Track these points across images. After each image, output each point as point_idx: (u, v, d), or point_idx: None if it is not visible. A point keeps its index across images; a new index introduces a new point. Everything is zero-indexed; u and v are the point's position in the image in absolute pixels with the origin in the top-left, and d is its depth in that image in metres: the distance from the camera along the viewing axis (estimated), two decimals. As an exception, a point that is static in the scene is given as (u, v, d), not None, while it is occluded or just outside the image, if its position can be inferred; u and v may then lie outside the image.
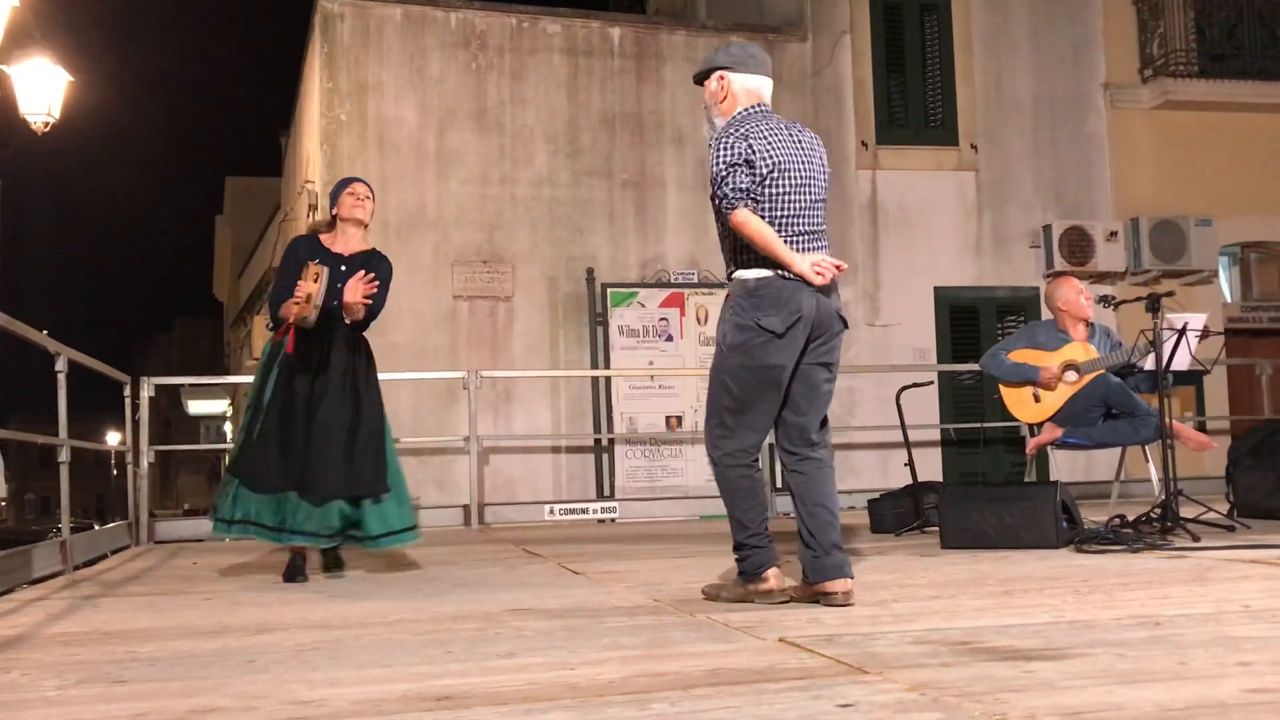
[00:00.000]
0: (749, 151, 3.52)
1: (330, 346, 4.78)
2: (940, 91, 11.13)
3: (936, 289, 10.91)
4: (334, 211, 4.96)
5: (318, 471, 4.60)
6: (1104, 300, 6.04)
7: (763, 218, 3.51)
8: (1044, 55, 11.31)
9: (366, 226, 5.00)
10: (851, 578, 3.51)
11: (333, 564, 5.02)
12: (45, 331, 5.88)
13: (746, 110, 3.67)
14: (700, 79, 3.85)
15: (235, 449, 4.84)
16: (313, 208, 10.21)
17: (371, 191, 5.05)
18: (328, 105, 9.88)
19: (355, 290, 4.68)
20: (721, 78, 3.76)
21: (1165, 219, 10.95)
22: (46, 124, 10.07)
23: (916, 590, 3.81)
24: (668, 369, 9.92)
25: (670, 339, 10.13)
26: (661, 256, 10.45)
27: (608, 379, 9.89)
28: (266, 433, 4.68)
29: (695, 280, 10.36)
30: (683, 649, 2.79)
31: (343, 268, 4.80)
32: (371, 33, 10.00)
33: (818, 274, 3.48)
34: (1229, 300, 11.85)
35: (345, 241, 4.91)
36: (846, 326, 3.71)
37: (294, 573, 4.74)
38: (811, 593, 3.54)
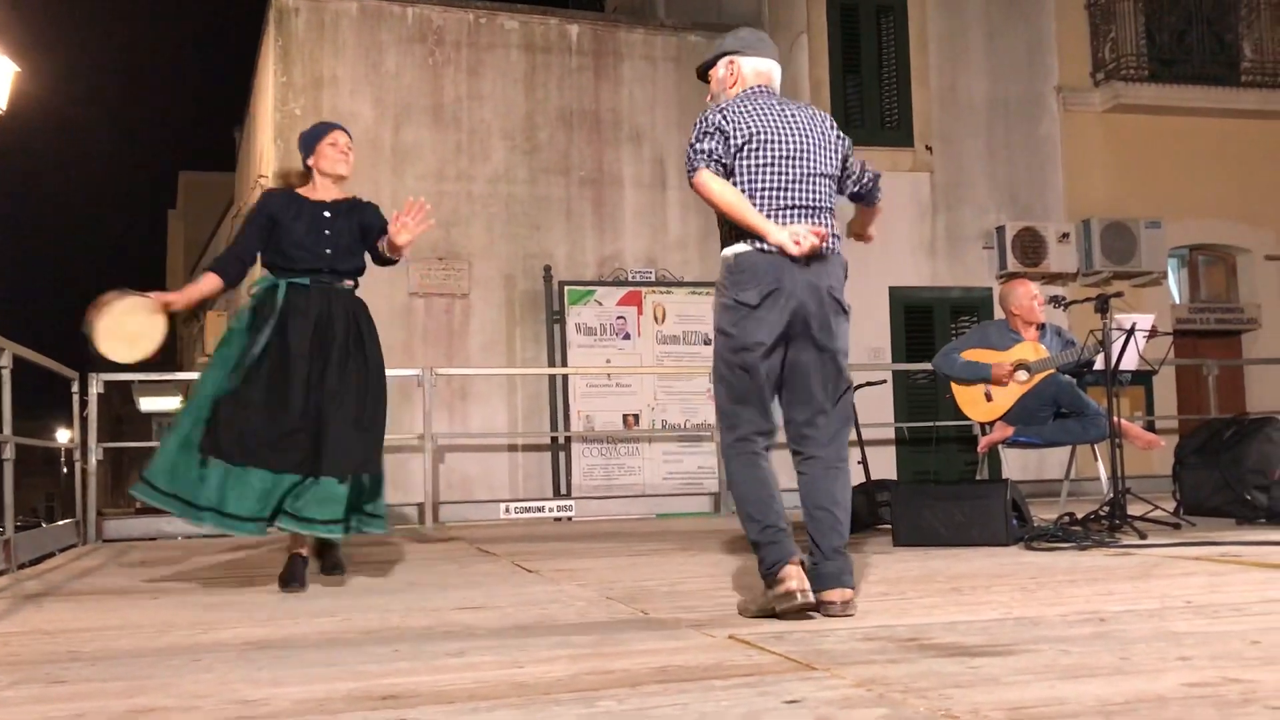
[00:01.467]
0: (721, 122, 3.37)
1: (331, 306, 4.34)
2: (896, 92, 11.21)
3: (891, 289, 10.99)
4: (310, 162, 4.48)
5: (337, 445, 4.10)
6: (1054, 301, 6.11)
7: (742, 190, 3.33)
8: (998, 58, 11.43)
9: (346, 180, 4.53)
10: (851, 588, 3.22)
11: (333, 567, 4.54)
12: (-11, 327, 5.76)
13: (749, 90, 3.50)
14: (707, 67, 3.66)
15: (200, 408, 4.16)
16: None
17: (352, 141, 4.59)
18: (282, 100, 9.78)
19: (412, 225, 4.27)
20: (731, 62, 3.57)
21: (1116, 221, 11.10)
22: (-7, 115, 9.90)
23: (868, 588, 3.83)
24: (625, 367, 9.92)
25: (628, 337, 10.13)
26: (619, 254, 10.44)
27: (565, 377, 9.88)
28: (251, 397, 4.13)
29: (653, 279, 10.36)
30: (633, 646, 2.79)
31: (326, 214, 4.41)
32: (327, 27, 9.91)
33: (795, 243, 3.23)
34: (1177, 301, 12.04)
35: (324, 193, 4.48)
36: (846, 311, 3.47)
37: (293, 577, 4.20)
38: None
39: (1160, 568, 4.13)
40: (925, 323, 11.07)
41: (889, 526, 5.62)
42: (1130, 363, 5.84)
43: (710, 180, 3.33)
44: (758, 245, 3.29)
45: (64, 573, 5.48)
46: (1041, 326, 6.39)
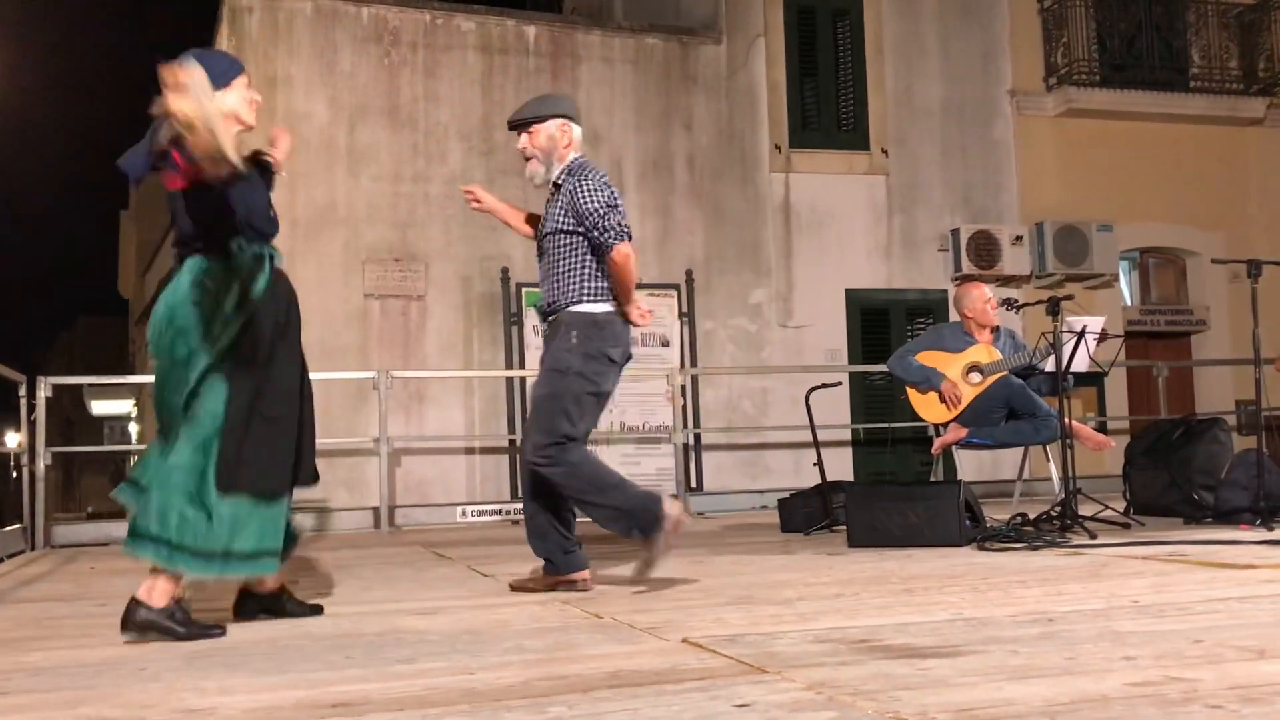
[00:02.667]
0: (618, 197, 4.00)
1: (287, 287, 3.50)
2: (852, 96, 11.29)
3: (848, 291, 11.07)
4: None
5: (308, 454, 3.54)
6: (1007, 303, 6.18)
7: (598, 262, 3.96)
8: (953, 62, 11.54)
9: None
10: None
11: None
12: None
13: (580, 158, 4.10)
14: (534, 122, 4.11)
15: (226, 434, 3.23)
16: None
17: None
18: (235, 99, 9.67)
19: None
20: (565, 126, 4.10)
21: (1069, 224, 11.24)
22: (-62, 114, 9.73)
23: (821, 589, 3.86)
24: (582, 369, 9.90)
25: (585, 339, 10.10)
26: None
27: (522, 379, 9.84)
28: (284, 416, 3.39)
29: (610, 280, 10.35)
30: (586, 651, 2.78)
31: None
32: (281, 26, 9.82)
33: (641, 318, 4.02)
34: (1129, 303, 12.22)
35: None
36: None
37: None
38: (552, 583, 4.02)
39: (1109, 567, 4.19)
40: (882, 324, 11.15)
41: (844, 527, 5.66)
42: (1081, 364, 5.92)
43: (631, 256, 3.95)
44: (618, 310, 3.98)
45: (10, 580, 5.39)
46: (996, 330, 6.46)
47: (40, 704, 2.38)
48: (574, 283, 3.97)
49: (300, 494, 3.62)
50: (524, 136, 4.13)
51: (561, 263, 4.00)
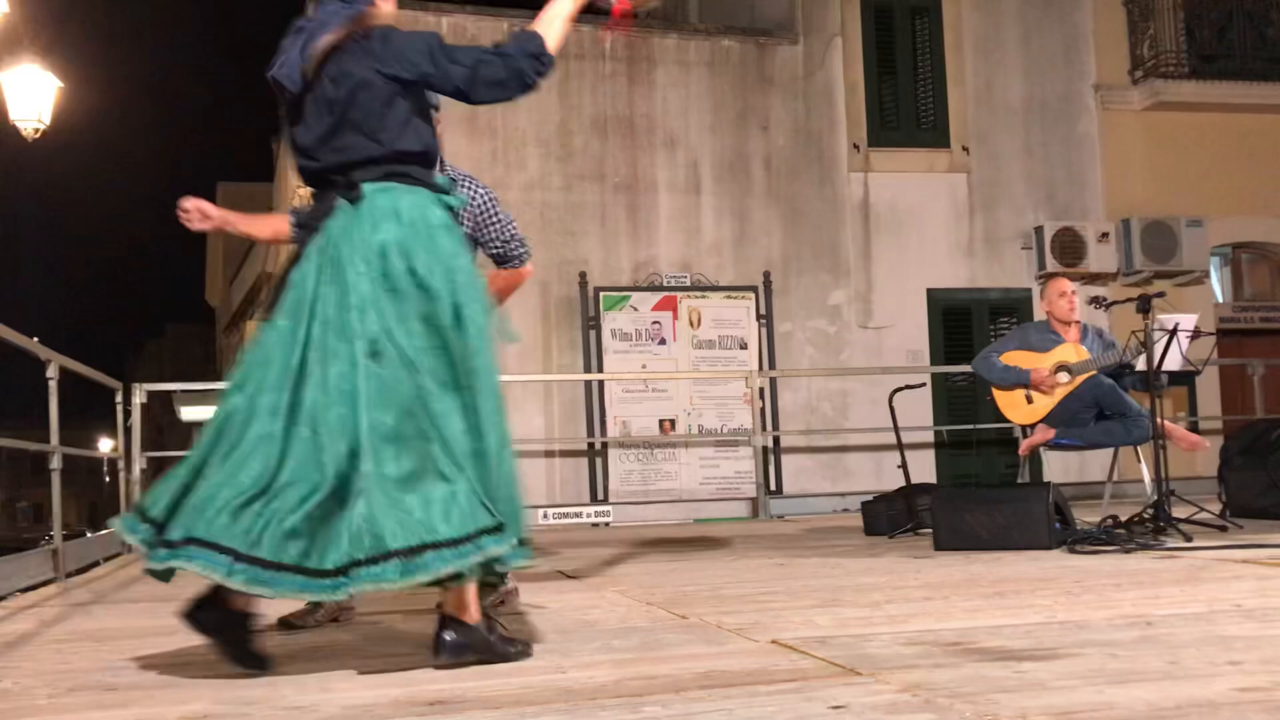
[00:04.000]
0: None
1: None
2: (931, 94, 11.16)
3: (929, 291, 10.94)
4: None
5: None
6: (1095, 301, 6.06)
7: None
8: (1034, 57, 11.34)
9: None
10: None
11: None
12: (35, 339, 5.86)
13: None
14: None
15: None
16: (305, 213, 10.20)
17: None
18: (319, 110, 9.87)
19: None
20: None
21: (1156, 220, 10.98)
22: (37, 130, 10.09)
23: (909, 592, 3.81)
24: (661, 372, 9.93)
25: (663, 342, 10.14)
26: (653, 260, 10.46)
27: (601, 383, 9.90)
28: None
29: (688, 283, 10.37)
30: (675, 651, 2.79)
31: None
32: (363, 37, 9.99)
33: None
34: (1220, 300, 11.89)
35: None
36: None
37: None
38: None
39: (1207, 571, 4.08)
40: (964, 324, 11.00)
41: (929, 530, 5.59)
42: (1173, 364, 5.78)
43: None
44: None
45: (111, 581, 5.56)
46: (1083, 328, 6.34)
47: (150, 699, 2.46)
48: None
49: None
50: None
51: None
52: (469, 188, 3.68)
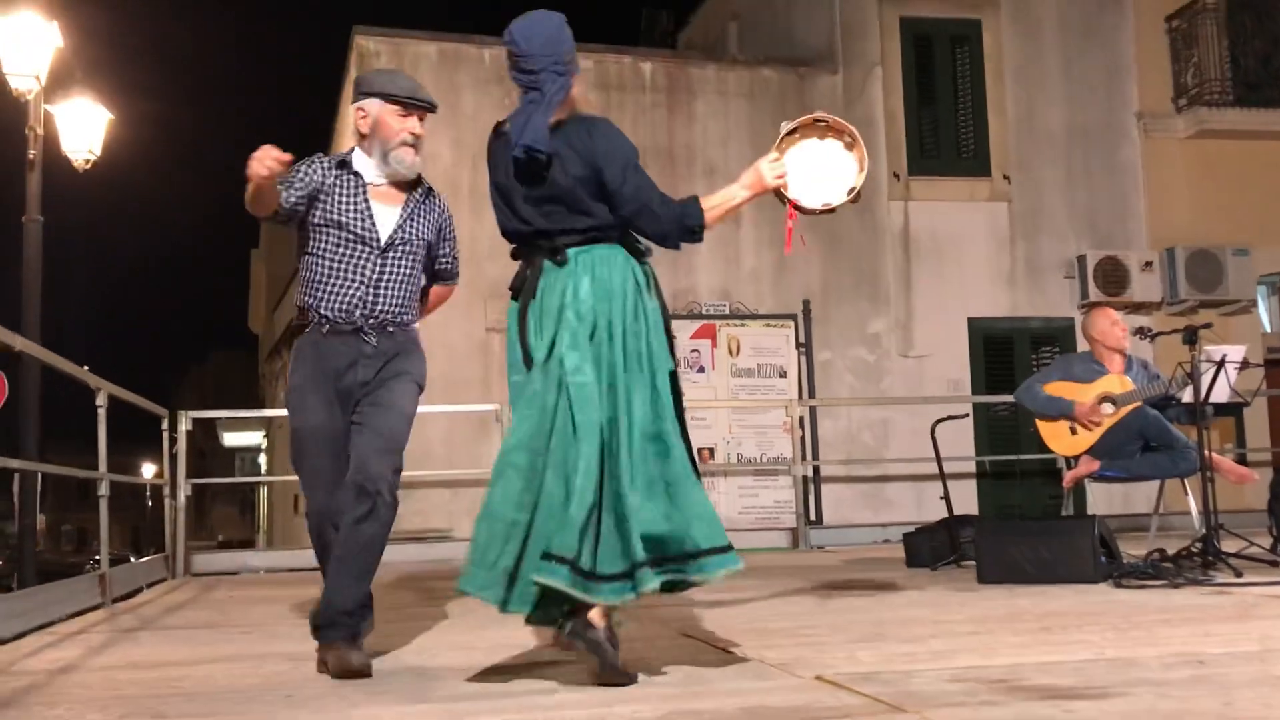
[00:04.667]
0: None
1: None
2: (972, 122, 11.13)
3: (970, 320, 10.87)
4: None
5: None
6: (1140, 333, 5.99)
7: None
8: (1076, 85, 11.29)
9: None
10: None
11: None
12: (86, 367, 5.96)
13: None
14: (429, 108, 3.59)
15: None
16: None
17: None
18: (363, 141, 10.00)
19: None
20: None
21: (1201, 248, 10.86)
22: (88, 161, 10.29)
23: (954, 626, 3.78)
24: (700, 400, 9.91)
25: (702, 370, 10.14)
26: (693, 288, 10.47)
27: (640, 411, 9.89)
28: None
29: (727, 311, 10.37)
30: (719, 686, 2.78)
31: None
32: (406, 69, 10.09)
33: None
34: (1268, 330, 11.72)
35: None
36: None
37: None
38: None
39: (1259, 607, 4.01)
40: (1005, 354, 10.92)
41: (973, 562, 5.54)
42: (1221, 395, 5.70)
43: None
44: None
45: (157, 606, 5.62)
46: (1128, 359, 6.27)
47: (198, 728, 2.48)
48: (414, 301, 3.60)
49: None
50: (420, 120, 3.54)
51: (413, 278, 3.57)
52: (438, 200, 3.75)
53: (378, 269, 3.46)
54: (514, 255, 3.22)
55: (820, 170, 3.33)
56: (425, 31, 10.28)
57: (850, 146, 3.34)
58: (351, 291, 3.43)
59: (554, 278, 3.06)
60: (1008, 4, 11.26)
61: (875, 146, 10.90)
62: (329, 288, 3.45)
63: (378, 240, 3.48)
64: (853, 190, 3.31)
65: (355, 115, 3.59)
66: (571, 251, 3.06)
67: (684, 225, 3.13)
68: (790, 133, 3.35)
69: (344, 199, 3.49)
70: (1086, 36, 11.35)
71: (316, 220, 3.48)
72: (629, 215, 3.09)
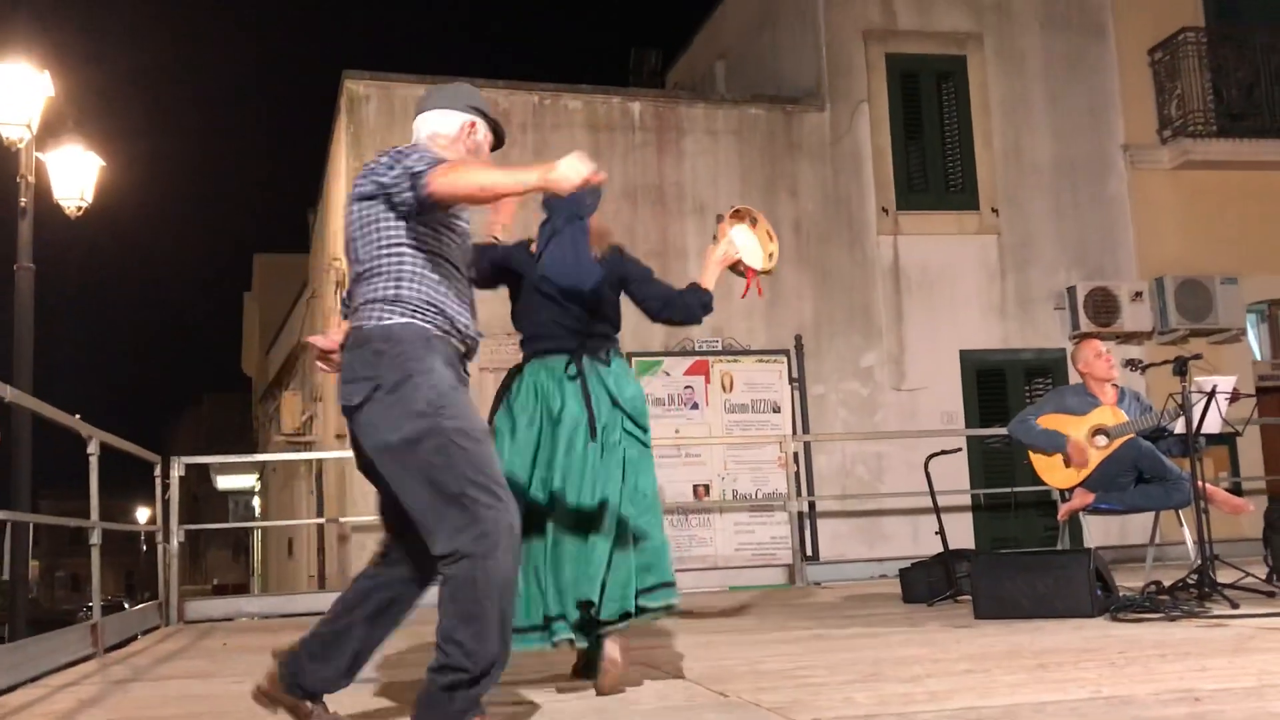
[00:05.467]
0: None
1: None
2: (960, 156, 11.20)
3: (962, 352, 10.89)
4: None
5: None
6: (1131, 364, 6.02)
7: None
8: (1062, 118, 11.39)
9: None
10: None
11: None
12: (78, 415, 5.95)
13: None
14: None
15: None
16: (340, 285, 10.33)
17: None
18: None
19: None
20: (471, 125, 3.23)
21: (1190, 278, 10.92)
22: (80, 208, 10.30)
23: (950, 665, 3.76)
24: (694, 437, 9.90)
25: (696, 407, 10.13)
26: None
27: (634, 449, 9.87)
28: None
29: (719, 347, 10.39)
30: (715, 732, 2.76)
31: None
32: (396, 112, 10.17)
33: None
34: (1259, 358, 11.76)
35: None
36: (346, 410, 2.85)
37: None
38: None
39: (1256, 640, 4.00)
40: (998, 385, 10.93)
41: (969, 597, 5.52)
42: (1213, 426, 5.71)
43: None
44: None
45: (149, 656, 5.58)
46: (1120, 391, 6.29)
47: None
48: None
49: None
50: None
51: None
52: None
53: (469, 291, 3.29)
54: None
55: (748, 245, 4.27)
56: (414, 75, 10.34)
57: (754, 224, 4.28)
58: None
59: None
60: (991, 40, 11.37)
61: (863, 182, 10.97)
62: None
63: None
64: (771, 254, 4.30)
65: None
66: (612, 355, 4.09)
67: (700, 302, 4.17)
68: (721, 220, 4.32)
69: None
70: (1070, 70, 11.45)
71: None
72: (653, 313, 4.22)
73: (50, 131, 9.82)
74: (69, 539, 51.29)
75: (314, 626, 2.93)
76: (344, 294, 3.16)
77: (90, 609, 5.93)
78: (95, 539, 5.96)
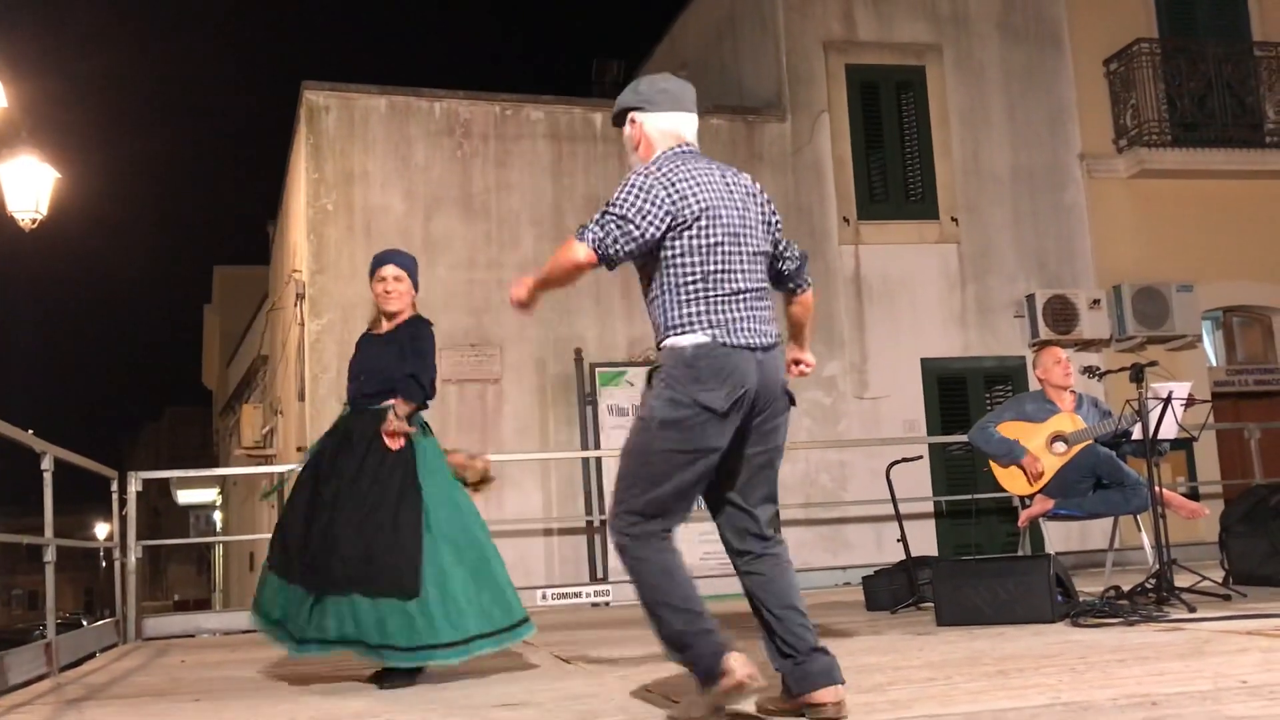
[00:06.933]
0: (673, 196, 3.14)
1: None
2: (919, 166, 11.30)
3: (923, 360, 10.96)
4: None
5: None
6: (1089, 371, 6.08)
7: (692, 271, 3.12)
8: (1020, 128, 11.51)
9: (401, 313, 4.69)
10: (842, 683, 2.99)
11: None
12: (30, 431, 5.86)
13: (668, 151, 3.28)
14: (617, 122, 3.44)
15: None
16: (300, 297, 10.25)
17: (406, 268, 4.72)
18: (314, 195, 9.98)
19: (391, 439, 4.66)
20: (633, 121, 3.35)
21: (1147, 285, 11.06)
22: (34, 220, 10.16)
23: (912, 672, 3.77)
24: (658, 448, 9.88)
25: (660, 417, 10.12)
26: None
27: (598, 459, 9.87)
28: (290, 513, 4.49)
29: (683, 358, 10.38)
30: (676, 744, 2.75)
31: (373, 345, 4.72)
32: (357, 123, 10.13)
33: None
34: (1214, 364, 11.93)
35: (383, 326, 4.72)
36: (793, 403, 3.26)
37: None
38: (797, 705, 3.03)
39: (1212, 644, 4.04)
40: (959, 393, 11.02)
41: (931, 604, 5.54)
42: (1169, 431, 5.78)
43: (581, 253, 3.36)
44: (720, 339, 3.08)
45: (105, 674, 5.49)
46: (1079, 397, 6.35)
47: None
48: (659, 311, 3.22)
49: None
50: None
51: (647, 286, 3.34)
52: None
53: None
54: None
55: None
56: (375, 85, 10.30)
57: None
58: None
59: None
60: (950, 51, 11.48)
61: (825, 192, 11.04)
62: None
63: None
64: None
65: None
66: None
67: None
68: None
69: None
70: (1028, 80, 11.58)
71: None
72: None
73: (3, 142, 9.68)
74: (26, 555, 50.51)
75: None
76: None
77: (44, 629, 5.83)
78: (50, 556, 5.86)
